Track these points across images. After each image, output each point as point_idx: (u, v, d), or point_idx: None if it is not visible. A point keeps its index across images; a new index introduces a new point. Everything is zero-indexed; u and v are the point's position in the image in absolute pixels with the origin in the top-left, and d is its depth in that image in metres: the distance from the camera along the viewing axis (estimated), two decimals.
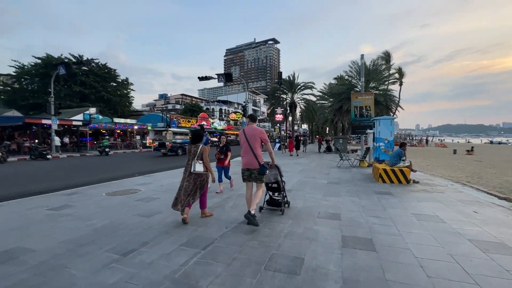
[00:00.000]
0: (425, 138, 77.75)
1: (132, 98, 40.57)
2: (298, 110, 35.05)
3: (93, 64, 35.20)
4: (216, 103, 65.28)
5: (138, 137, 28.18)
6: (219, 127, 44.82)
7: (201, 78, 20.14)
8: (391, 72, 29.10)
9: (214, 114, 57.18)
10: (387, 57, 32.25)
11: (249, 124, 4.16)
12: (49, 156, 15.81)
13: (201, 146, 4.15)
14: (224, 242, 3.33)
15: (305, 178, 8.35)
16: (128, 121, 27.90)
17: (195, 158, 4.04)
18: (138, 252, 3.04)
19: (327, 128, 59.65)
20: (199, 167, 4.01)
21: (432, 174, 9.89)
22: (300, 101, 34.07)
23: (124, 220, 4.23)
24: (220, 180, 6.37)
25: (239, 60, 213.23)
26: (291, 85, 32.38)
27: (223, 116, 59.27)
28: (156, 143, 19.63)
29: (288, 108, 32.25)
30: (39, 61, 31.56)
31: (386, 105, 22.59)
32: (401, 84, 30.63)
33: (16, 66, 31.52)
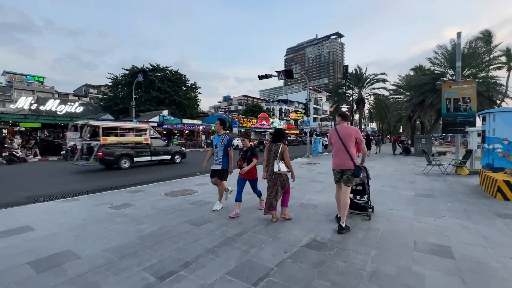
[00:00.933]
0: None
1: (199, 100, 43.82)
2: (366, 106, 31.59)
3: (167, 71, 39.48)
4: (276, 102, 65.15)
5: (203, 137, 29.98)
6: (279, 127, 44.31)
7: (261, 77, 19.79)
8: (494, 55, 23.03)
9: (274, 113, 57.05)
10: (487, 37, 25.92)
11: (341, 123, 3.90)
12: None
13: (281, 145, 4.05)
14: (282, 275, 2.49)
15: (382, 187, 6.80)
16: (195, 121, 30.01)
17: (277, 158, 3.96)
18: (177, 276, 2.48)
19: (401, 126, 52.37)
20: (283, 167, 3.91)
21: None
22: (369, 97, 30.60)
23: (173, 227, 3.84)
24: (238, 199, 4.36)
25: (300, 58, 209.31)
26: (359, 79, 29.35)
27: (283, 116, 58.61)
28: (256, 141, 24.75)
29: (355, 105, 29.30)
30: (127, 72, 37.12)
31: (488, 96, 17.86)
32: (510, 69, 24.05)
33: (111, 78, 37.86)
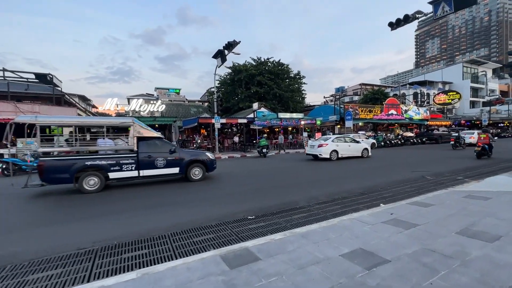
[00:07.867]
0: None
1: (304, 92, 37.84)
2: None
3: (268, 63, 35.92)
4: (407, 86, 49.33)
5: (305, 134, 23.68)
6: (417, 117, 31.23)
7: (394, 24, 11.37)
8: None
9: (406, 100, 42.62)
10: None
11: None
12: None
13: None
14: None
15: None
16: (294, 115, 24.18)
17: None
18: None
19: None
20: None
21: None
22: None
23: None
24: None
25: (438, 29, 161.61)
26: None
27: (420, 102, 42.95)
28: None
29: None
30: (230, 70, 36.27)
31: None
32: None
33: (218, 79, 38.29)
